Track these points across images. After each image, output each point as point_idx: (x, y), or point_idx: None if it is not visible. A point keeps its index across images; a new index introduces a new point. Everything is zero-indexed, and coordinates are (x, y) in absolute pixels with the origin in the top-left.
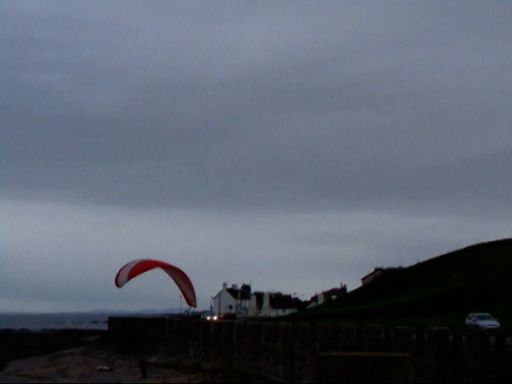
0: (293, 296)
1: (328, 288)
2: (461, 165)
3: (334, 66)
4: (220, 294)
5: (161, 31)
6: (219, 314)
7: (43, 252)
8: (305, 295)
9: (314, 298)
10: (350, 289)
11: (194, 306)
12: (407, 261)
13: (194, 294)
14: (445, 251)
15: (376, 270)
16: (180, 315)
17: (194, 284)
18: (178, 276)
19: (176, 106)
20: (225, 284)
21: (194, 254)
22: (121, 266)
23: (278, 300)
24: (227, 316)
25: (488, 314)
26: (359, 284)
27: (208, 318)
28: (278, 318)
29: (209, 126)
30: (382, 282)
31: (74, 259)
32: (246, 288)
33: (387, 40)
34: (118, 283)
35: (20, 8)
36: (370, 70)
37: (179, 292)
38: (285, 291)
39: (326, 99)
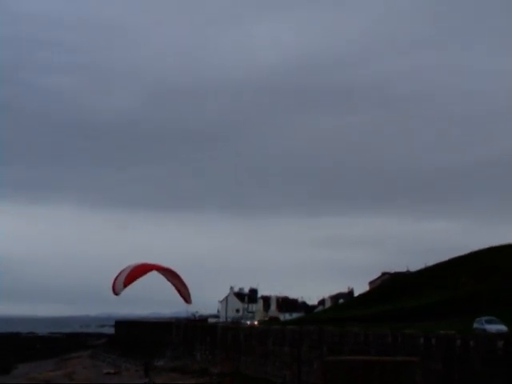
0: (300, 300)
1: (335, 292)
2: (469, 169)
3: (345, 69)
4: (227, 297)
5: (172, 33)
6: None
7: (50, 255)
8: (312, 299)
9: (321, 302)
10: (357, 293)
11: (190, 302)
12: (415, 265)
13: (188, 290)
14: (452, 255)
15: (383, 273)
16: (187, 319)
17: (200, 287)
18: (171, 275)
19: (187, 109)
20: (232, 288)
21: (201, 258)
22: (116, 274)
23: (285, 304)
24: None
25: (496, 319)
26: (366, 288)
27: (248, 323)
28: (285, 322)
29: (219, 128)
30: (390, 285)
31: (80, 262)
32: (253, 292)
33: (399, 43)
34: (115, 291)
35: (31, 9)
36: (381, 72)
37: (174, 291)
38: (292, 295)
39: (337, 102)
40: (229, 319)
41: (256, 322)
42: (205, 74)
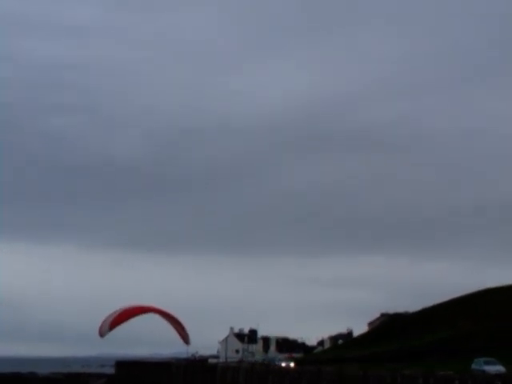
0: (299, 340)
1: (334, 332)
2: (469, 211)
3: (348, 113)
4: (227, 338)
5: (175, 77)
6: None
7: (50, 295)
8: (311, 339)
9: (321, 343)
10: (356, 333)
11: (188, 343)
12: (413, 306)
13: (186, 331)
14: (451, 296)
15: (382, 314)
16: (187, 359)
17: (200, 328)
18: (165, 316)
19: (189, 151)
20: (232, 328)
21: (201, 298)
22: (104, 316)
23: (285, 344)
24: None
25: (494, 360)
26: (365, 329)
27: (283, 365)
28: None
29: (219, 169)
30: (389, 326)
31: (80, 302)
32: (253, 332)
33: (402, 87)
34: (100, 333)
35: (37, 52)
36: (383, 116)
37: (174, 332)
38: (291, 335)
39: (339, 145)
40: (260, 360)
41: (292, 364)
42: (206, 115)
